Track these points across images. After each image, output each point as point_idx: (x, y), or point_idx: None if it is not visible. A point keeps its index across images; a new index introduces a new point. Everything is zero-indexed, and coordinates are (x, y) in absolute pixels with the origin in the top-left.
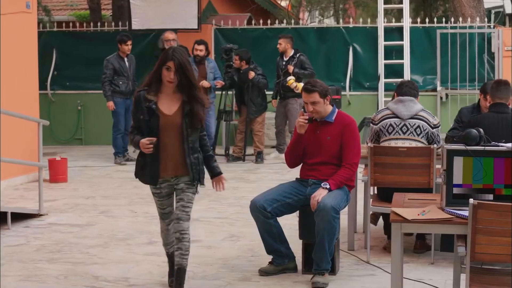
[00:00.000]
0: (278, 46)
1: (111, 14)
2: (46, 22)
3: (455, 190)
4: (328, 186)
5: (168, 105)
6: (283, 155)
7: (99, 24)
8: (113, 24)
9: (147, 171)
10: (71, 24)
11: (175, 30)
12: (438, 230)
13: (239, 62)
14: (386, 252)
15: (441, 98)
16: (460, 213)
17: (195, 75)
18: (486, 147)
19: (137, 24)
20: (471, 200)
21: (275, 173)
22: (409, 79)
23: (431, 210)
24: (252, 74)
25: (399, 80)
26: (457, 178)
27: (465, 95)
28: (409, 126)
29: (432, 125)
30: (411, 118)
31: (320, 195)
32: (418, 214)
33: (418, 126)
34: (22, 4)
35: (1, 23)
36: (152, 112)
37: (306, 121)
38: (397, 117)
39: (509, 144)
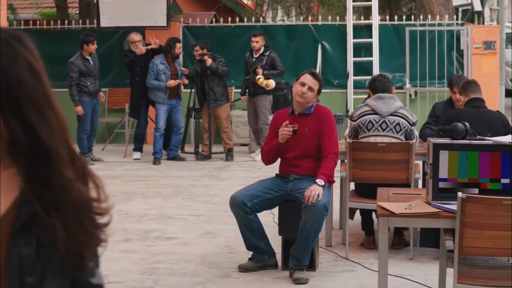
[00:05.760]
0: (255, 44)
1: (77, 12)
2: (12, 20)
3: (441, 184)
4: (323, 183)
5: None
6: None
7: (66, 22)
8: (80, 22)
9: None
10: (38, 23)
11: (144, 28)
12: (425, 224)
13: (200, 51)
14: (363, 248)
15: (410, 95)
16: (448, 207)
17: (61, 114)
18: (472, 141)
19: (105, 21)
20: (459, 194)
21: (246, 170)
22: None
23: (418, 204)
24: (209, 61)
25: (368, 77)
26: (443, 172)
27: (434, 93)
28: (388, 123)
29: (411, 123)
30: (391, 115)
31: (317, 191)
32: (405, 208)
33: (398, 124)
34: None
35: None
36: None
37: (291, 133)
38: (376, 113)
39: (498, 138)
